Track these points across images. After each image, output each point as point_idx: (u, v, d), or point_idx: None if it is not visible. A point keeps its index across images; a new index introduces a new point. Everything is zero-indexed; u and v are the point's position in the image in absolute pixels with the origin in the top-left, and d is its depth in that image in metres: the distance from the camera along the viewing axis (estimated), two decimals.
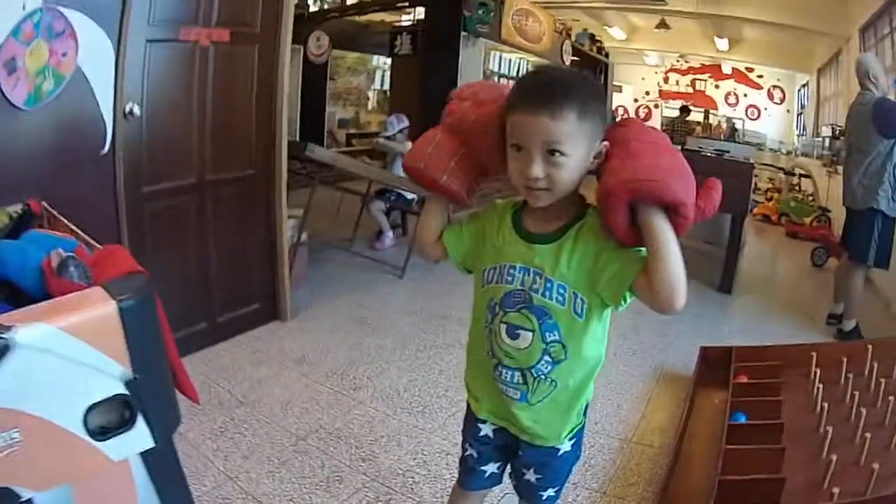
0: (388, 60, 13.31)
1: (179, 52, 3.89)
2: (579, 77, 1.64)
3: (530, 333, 1.72)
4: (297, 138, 9.98)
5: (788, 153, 16.17)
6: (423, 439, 3.44)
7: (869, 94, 5.12)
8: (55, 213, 2.48)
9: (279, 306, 4.92)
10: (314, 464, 3.15)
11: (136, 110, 3.63)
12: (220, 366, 4.12)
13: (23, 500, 1.47)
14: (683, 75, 21.60)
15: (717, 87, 20.89)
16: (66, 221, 2.38)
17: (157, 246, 3.83)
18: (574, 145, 1.55)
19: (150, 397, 1.62)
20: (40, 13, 3.03)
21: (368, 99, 14.45)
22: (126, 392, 1.57)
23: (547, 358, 1.73)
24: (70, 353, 1.45)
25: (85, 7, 3.26)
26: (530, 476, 2.01)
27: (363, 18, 12.75)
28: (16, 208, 2.48)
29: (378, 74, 14.60)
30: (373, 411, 3.71)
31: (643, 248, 1.57)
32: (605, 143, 1.62)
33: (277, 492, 2.92)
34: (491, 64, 11.53)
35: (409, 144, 7.21)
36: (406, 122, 7.53)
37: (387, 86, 14.11)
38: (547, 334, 1.71)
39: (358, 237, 7.39)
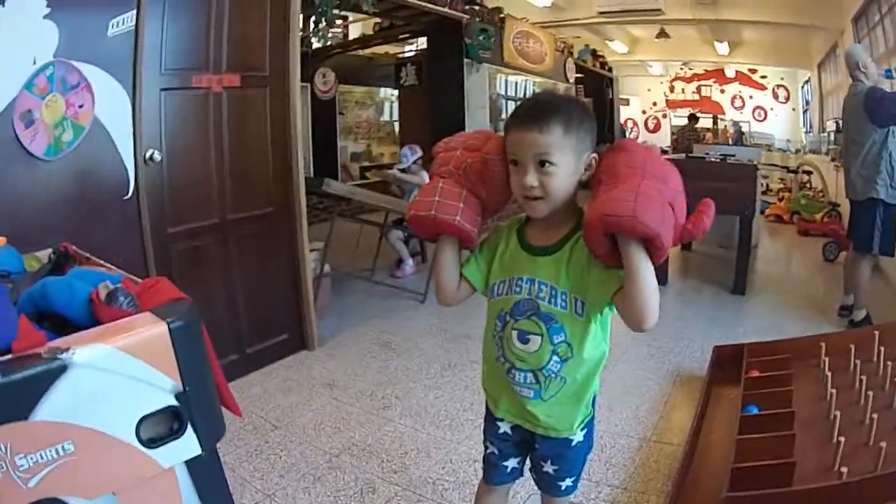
0: (395, 91, 13.44)
1: (193, 99, 4.06)
2: (565, 98, 1.90)
3: (539, 337, 1.88)
4: (311, 174, 10.04)
5: (797, 151, 16.18)
6: (451, 449, 3.56)
7: (860, 84, 5.18)
8: (87, 255, 2.59)
9: (306, 335, 5.05)
10: (348, 478, 3.28)
11: (157, 156, 3.80)
12: (252, 394, 4.24)
13: None
14: (688, 83, 21.65)
15: (722, 91, 20.93)
16: (101, 262, 2.48)
17: (185, 284, 3.84)
18: (562, 156, 1.75)
19: (197, 408, 1.73)
20: (52, 67, 3.20)
21: (381, 130, 14.52)
22: (176, 403, 1.69)
23: (556, 358, 1.88)
24: (125, 370, 1.57)
25: (97, 60, 3.43)
26: (548, 468, 2.14)
27: (367, 52, 12.85)
28: (46, 252, 2.59)
29: (386, 106, 14.66)
30: (402, 427, 3.83)
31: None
32: (594, 155, 1.82)
33: None
34: (497, 88, 11.63)
35: (424, 174, 7.39)
36: (419, 153, 7.61)
37: (395, 117, 14.22)
38: (554, 336, 1.86)
39: (378, 267, 7.49)
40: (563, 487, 2.19)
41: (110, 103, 3.54)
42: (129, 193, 3.70)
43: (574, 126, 1.77)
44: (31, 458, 1.46)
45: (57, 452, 1.50)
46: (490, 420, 2.19)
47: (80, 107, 3.36)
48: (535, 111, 1.78)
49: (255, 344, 4.64)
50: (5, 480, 1.43)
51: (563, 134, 1.74)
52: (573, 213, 1.89)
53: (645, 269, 1.64)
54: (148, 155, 3.77)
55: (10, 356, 1.50)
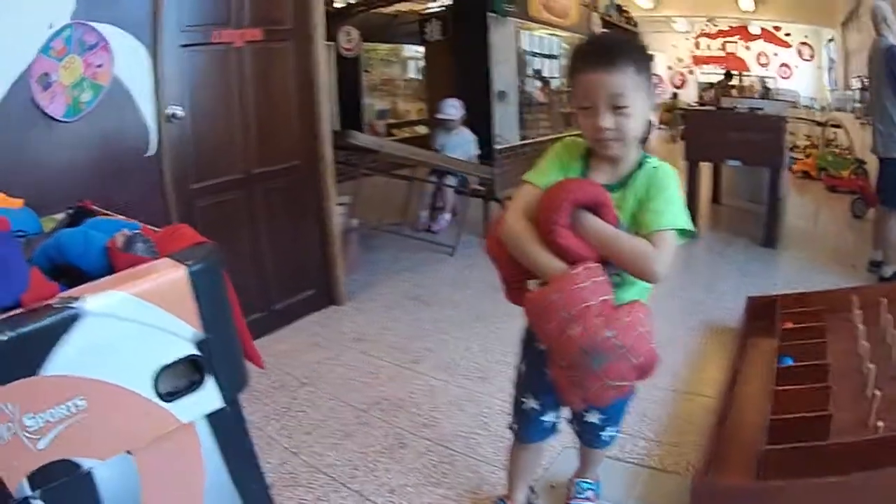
0: (420, 48, 13.33)
1: (214, 55, 4.02)
2: (626, 38, 1.87)
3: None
4: None
5: (822, 109, 16.01)
6: (483, 402, 3.54)
7: (884, 38, 5.14)
8: (107, 212, 2.54)
9: (334, 291, 5.03)
10: (377, 433, 3.25)
11: (179, 113, 3.76)
12: (279, 351, 4.21)
13: (83, 470, 1.49)
14: (713, 39, 21.39)
15: (747, 48, 20.67)
16: (120, 216, 2.44)
17: (210, 240, 3.90)
18: (636, 96, 1.74)
19: (219, 357, 1.67)
20: (70, 29, 3.15)
21: (407, 87, 14.45)
22: (197, 352, 1.62)
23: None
24: (142, 318, 1.51)
25: (115, 19, 3.38)
26: (592, 418, 2.18)
27: (391, 9, 12.75)
28: (63, 214, 2.52)
29: (411, 63, 14.59)
30: (433, 381, 3.81)
31: (659, 222, 1.76)
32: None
33: (342, 462, 3.02)
34: (522, 43, 11.50)
35: (467, 133, 7.64)
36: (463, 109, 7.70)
37: (421, 73, 14.12)
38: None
39: (406, 221, 7.48)
40: (604, 438, 2.24)
41: (130, 62, 3.50)
42: (151, 151, 3.68)
43: (644, 65, 1.78)
44: (42, 418, 1.39)
45: (69, 410, 1.43)
46: (536, 372, 2.16)
47: (99, 66, 3.32)
48: (603, 52, 1.76)
49: (283, 300, 4.63)
50: (14, 443, 1.36)
51: (635, 73, 1.74)
52: (637, 150, 1.88)
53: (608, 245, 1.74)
54: (170, 112, 3.73)
55: (20, 310, 1.43)
